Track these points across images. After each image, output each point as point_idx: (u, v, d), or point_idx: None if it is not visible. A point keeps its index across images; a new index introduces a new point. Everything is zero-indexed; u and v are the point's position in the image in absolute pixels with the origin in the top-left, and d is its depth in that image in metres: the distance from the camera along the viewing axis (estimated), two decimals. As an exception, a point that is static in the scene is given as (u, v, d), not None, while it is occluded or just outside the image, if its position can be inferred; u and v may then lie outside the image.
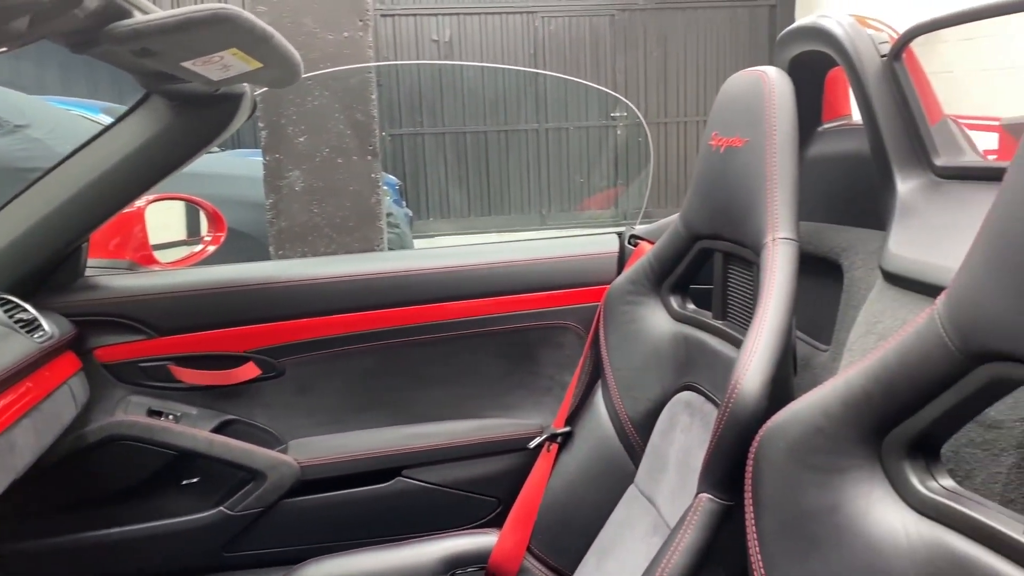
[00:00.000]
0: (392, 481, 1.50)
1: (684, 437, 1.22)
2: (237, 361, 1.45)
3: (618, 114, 8.88)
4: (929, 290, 0.90)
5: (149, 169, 1.29)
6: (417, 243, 7.72)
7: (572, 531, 1.35)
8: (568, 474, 1.39)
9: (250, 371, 1.45)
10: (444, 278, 1.50)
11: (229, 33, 0.90)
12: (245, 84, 1.28)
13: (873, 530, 0.67)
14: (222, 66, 1.01)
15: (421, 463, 1.50)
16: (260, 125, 2.91)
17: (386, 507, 1.50)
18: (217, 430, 1.46)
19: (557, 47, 8.84)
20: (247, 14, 0.90)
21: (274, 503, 1.45)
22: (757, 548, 0.74)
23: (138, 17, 0.88)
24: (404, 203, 6.59)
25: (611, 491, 1.32)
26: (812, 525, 0.70)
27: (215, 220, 1.68)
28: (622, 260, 1.54)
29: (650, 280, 1.36)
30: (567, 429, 1.41)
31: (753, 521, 0.74)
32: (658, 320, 1.34)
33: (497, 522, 1.49)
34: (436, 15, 8.59)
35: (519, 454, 1.51)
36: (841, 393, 0.70)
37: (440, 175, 8.74)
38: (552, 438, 1.42)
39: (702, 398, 1.19)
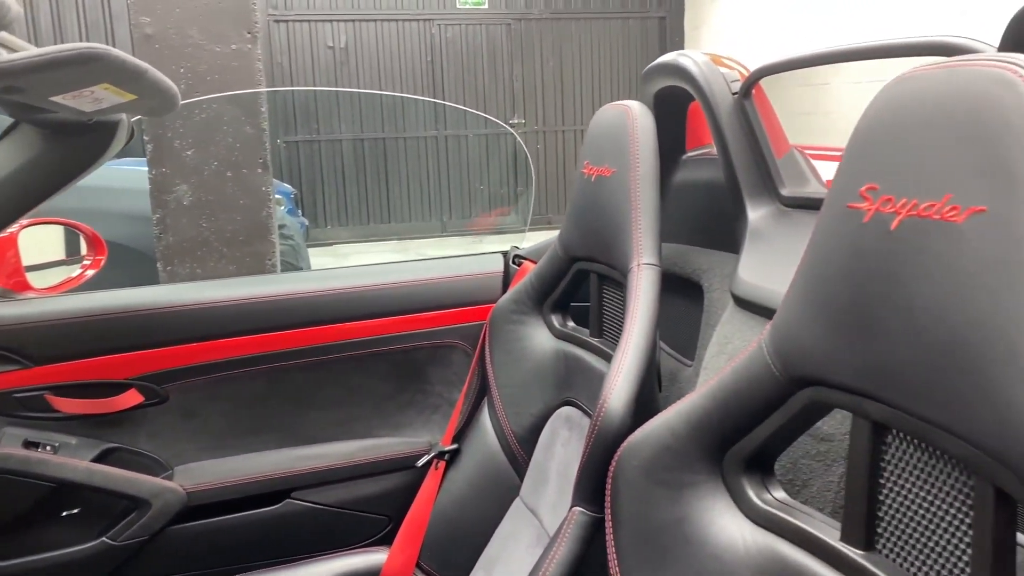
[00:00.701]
0: (281, 504, 1.50)
1: (564, 451, 1.28)
2: (118, 388, 1.43)
3: (516, 121, 8.99)
4: (770, 314, 0.98)
5: (21, 197, 1.26)
6: (314, 252, 7.62)
7: (460, 545, 1.39)
8: (456, 490, 1.42)
9: (132, 398, 1.43)
10: (330, 300, 1.51)
11: (99, 70, 0.90)
12: (122, 114, 1.27)
13: (716, 540, 0.73)
14: (94, 99, 1.01)
15: (310, 484, 1.51)
16: (145, 139, 2.85)
17: (276, 530, 1.50)
18: (99, 459, 1.43)
19: (454, 54, 8.88)
20: (117, 52, 0.90)
21: (159, 531, 1.43)
22: (616, 561, 0.79)
23: (2, 56, 0.87)
24: (300, 212, 6.50)
25: (497, 505, 1.37)
26: (663, 538, 0.76)
27: (94, 243, 1.64)
28: (507, 279, 1.59)
29: (532, 299, 1.41)
30: (454, 446, 1.45)
31: (612, 535, 0.80)
32: (540, 338, 1.39)
33: (388, 540, 1.51)
34: (331, 21, 8.50)
35: (409, 472, 1.54)
36: (686, 413, 0.76)
37: (338, 183, 8.64)
38: (440, 455, 1.46)
39: (580, 412, 1.25)
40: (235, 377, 1.48)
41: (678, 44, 9.16)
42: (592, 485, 1.00)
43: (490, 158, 9.05)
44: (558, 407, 1.32)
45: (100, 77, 0.92)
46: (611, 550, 0.80)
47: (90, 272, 1.63)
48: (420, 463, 1.46)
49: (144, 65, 0.99)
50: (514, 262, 1.57)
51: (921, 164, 0.53)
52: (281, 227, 3.72)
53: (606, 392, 1.00)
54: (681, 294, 1.30)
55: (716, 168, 1.23)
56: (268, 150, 2.92)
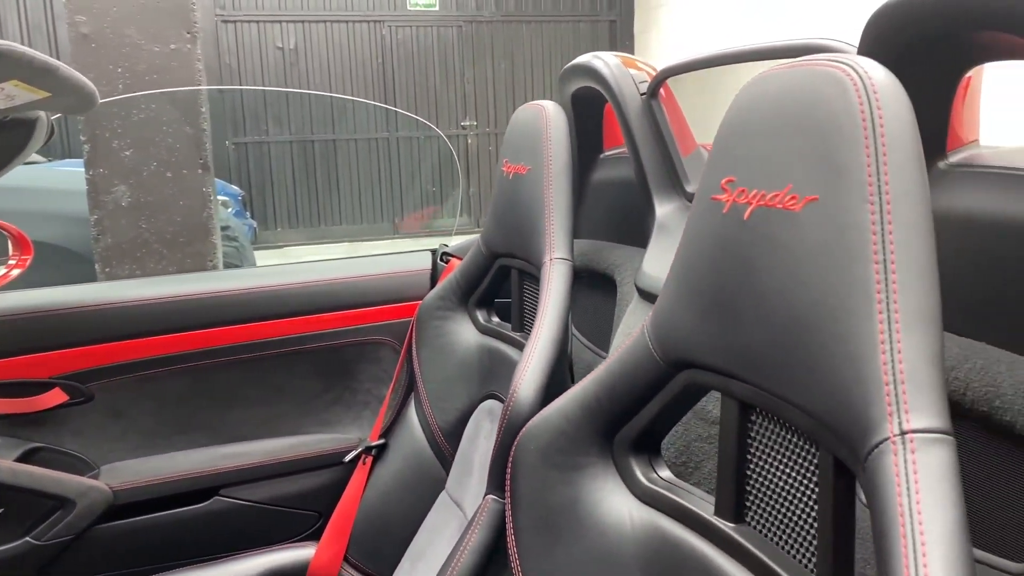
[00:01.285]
0: (209, 501, 1.51)
1: (487, 443, 1.30)
2: (42, 388, 1.42)
3: (468, 123, 9.02)
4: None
5: None
6: (264, 254, 7.56)
7: (388, 538, 1.41)
8: (383, 484, 1.44)
9: (57, 397, 1.43)
10: (257, 298, 1.52)
11: (5, 67, 0.90)
12: (40, 112, 1.27)
13: (605, 519, 0.77)
14: (5, 96, 1.01)
15: (238, 481, 1.52)
16: (82, 139, 2.82)
17: (204, 527, 1.50)
18: (23, 459, 1.42)
19: (405, 56, 8.87)
20: (23, 48, 0.91)
21: (85, 530, 1.43)
22: (514, 543, 0.82)
23: None
24: (248, 214, 6.45)
25: (424, 498, 1.39)
26: (557, 518, 0.79)
27: (20, 243, 1.62)
28: (435, 276, 1.62)
29: (457, 296, 1.44)
30: (382, 441, 1.47)
31: (511, 517, 0.83)
32: (465, 333, 1.42)
33: (317, 536, 1.52)
34: (280, 22, 8.44)
35: (338, 468, 1.56)
36: (579, 398, 0.79)
37: (288, 185, 8.58)
38: (367, 451, 1.47)
39: (502, 405, 1.28)
40: (161, 376, 1.49)
41: (628, 47, 9.26)
42: (503, 472, 1.03)
43: (442, 161, 9.05)
44: (481, 400, 1.35)
45: (8, 74, 0.92)
46: (510, 531, 0.83)
47: (15, 272, 1.61)
48: (347, 459, 1.47)
49: (54, 62, 0.99)
50: (442, 259, 1.59)
51: (768, 157, 0.57)
52: (225, 228, 3.70)
53: (516, 381, 1.03)
54: (598, 288, 1.34)
55: (630, 166, 1.27)
56: (209, 151, 2.91)
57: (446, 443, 1.39)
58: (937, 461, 0.44)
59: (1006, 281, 0.68)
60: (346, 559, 1.43)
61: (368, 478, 1.46)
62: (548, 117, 1.16)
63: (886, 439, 0.46)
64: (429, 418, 1.41)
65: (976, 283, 0.71)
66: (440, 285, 1.46)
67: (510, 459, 0.84)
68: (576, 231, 1.19)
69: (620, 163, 1.38)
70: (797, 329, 0.54)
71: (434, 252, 1.65)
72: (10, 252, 1.64)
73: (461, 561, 1.07)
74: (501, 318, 1.42)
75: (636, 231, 1.23)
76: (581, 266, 1.42)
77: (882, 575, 0.44)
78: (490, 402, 1.33)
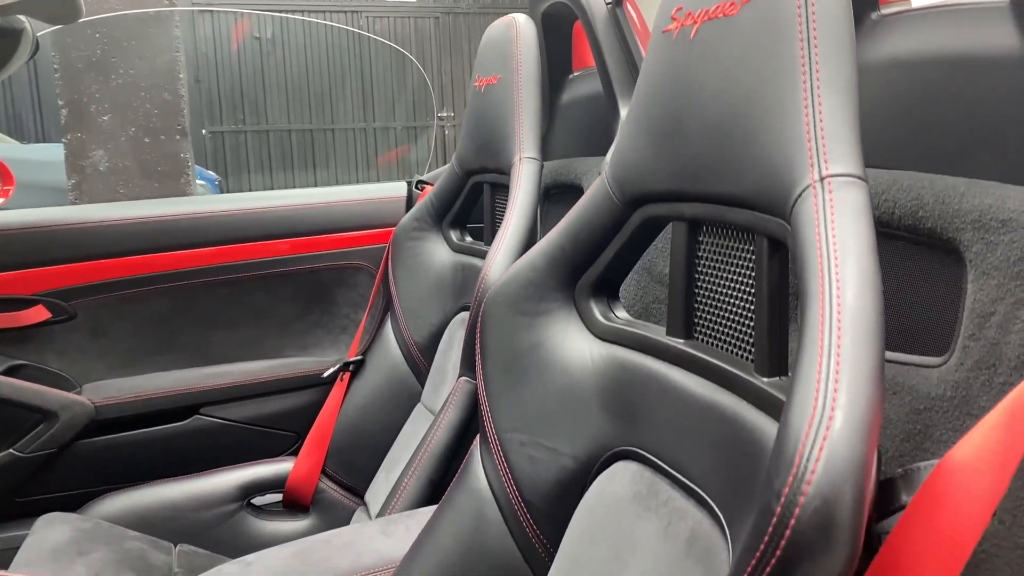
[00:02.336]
0: (190, 419, 1.55)
1: (459, 351, 1.36)
2: (25, 304, 1.45)
3: (445, 115, 9.06)
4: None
5: None
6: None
7: (364, 451, 1.46)
8: (360, 399, 1.49)
9: (39, 314, 1.46)
10: (237, 221, 1.56)
11: None
12: (25, 22, 1.30)
13: (567, 357, 0.82)
14: None
15: (218, 400, 1.56)
16: (60, 103, 2.83)
17: (184, 444, 1.54)
18: (5, 375, 1.45)
19: (382, 46, 8.89)
20: None
21: (68, 443, 1.46)
22: (483, 388, 0.87)
23: None
24: (225, 198, 6.44)
25: (400, 411, 1.44)
26: (522, 360, 0.84)
27: (3, 173, 1.66)
28: (410, 204, 1.67)
29: (432, 217, 1.49)
30: (359, 358, 1.52)
31: (481, 367, 0.88)
32: (439, 253, 1.47)
33: (296, 454, 1.57)
34: (258, 11, 8.44)
35: (316, 389, 1.60)
36: (545, 249, 0.85)
37: (264, 174, 8.58)
38: (345, 367, 1.52)
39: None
40: (143, 296, 1.52)
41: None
42: (475, 353, 1.08)
43: (419, 150, 9.08)
44: (456, 313, 1.40)
45: None
46: (479, 380, 0.88)
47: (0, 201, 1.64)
48: (326, 375, 1.52)
49: None
50: (416, 187, 1.65)
51: None
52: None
53: (486, 266, 1.08)
54: (568, 200, 1.40)
55: (597, 81, 1.33)
56: (187, 118, 2.93)
57: (421, 357, 1.44)
58: (851, 198, 0.50)
59: (928, 112, 0.74)
60: (324, 471, 1.48)
61: (345, 394, 1.50)
62: (519, 27, 1.21)
63: (808, 186, 0.52)
64: (405, 334, 1.46)
65: (903, 119, 0.77)
66: (415, 208, 1.51)
67: (480, 315, 0.90)
68: (545, 153, 1.24)
69: (587, 80, 1.44)
70: (733, 123, 0.60)
71: (409, 183, 1.70)
72: (-8, 183, 1.67)
73: (435, 438, 1.13)
74: (474, 239, 1.47)
75: (603, 141, 1.29)
76: (550, 183, 1.48)
77: (802, 298, 0.49)
78: (464, 314, 1.38)
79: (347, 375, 1.52)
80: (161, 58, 2.90)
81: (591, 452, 0.79)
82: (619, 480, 0.75)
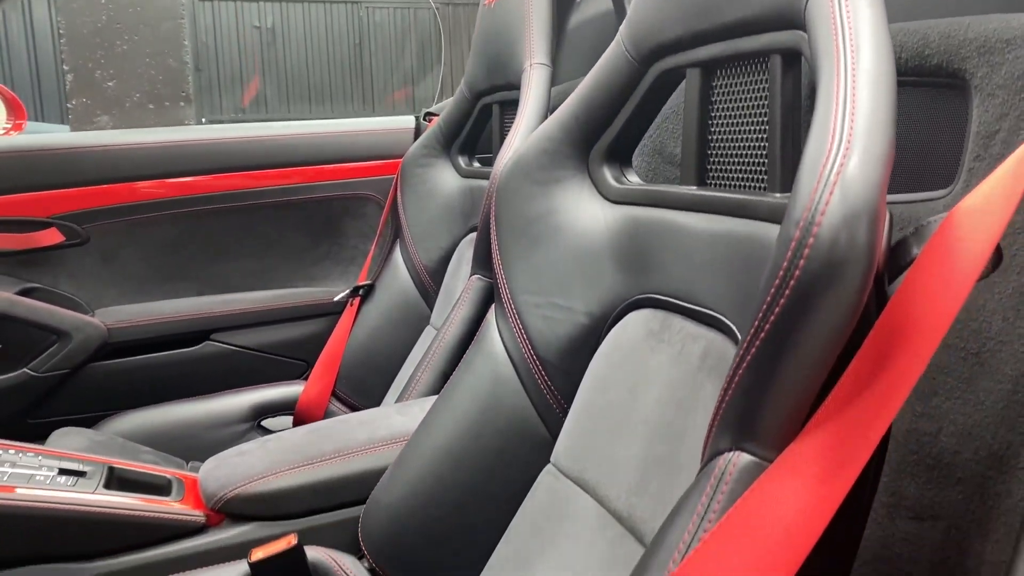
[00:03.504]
0: (201, 345, 1.56)
1: (468, 269, 1.37)
2: (39, 226, 1.47)
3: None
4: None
5: None
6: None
7: (374, 372, 1.47)
8: (370, 323, 1.51)
9: (53, 236, 1.48)
10: (249, 148, 1.58)
11: None
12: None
13: (580, 221, 0.84)
14: None
15: (230, 327, 1.58)
16: (65, 68, 2.85)
17: (195, 369, 1.56)
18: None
19: (383, 38, 8.92)
20: None
21: (81, 365, 1.48)
22: (498, 256, 0.89)
23: None
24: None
25: (409, 333, 1.46)
26: (536, 227, 0.87)
27: (14, 107, 1.68)
28: (418, 136, 1.69)
29: (440, 143, 1.51)
30: (369, 283, 1.54)
31: (496, 238, 0.90)
32: (448, 178, 1.49)
33: (305, 380, 1.59)
34: (258, 1, 8.46)
35: (326, 319, 1.62)
36: (559, 119, 0.87)
37: (265, 162, 8.58)
38: (355, 292, 1.54)
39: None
40: (155, 221, 1.54)
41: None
42: (486, 251, 1.10)
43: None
44: (464, 235, 1.42)
45: None
46: (495, 251, 0.90)
47: (13, 135, 1.66)
48: (336, 299, 1.54)
49: None
50: (424, 118, 1.67)
51: None
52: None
53: (497, 163, 1.10)
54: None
55: (604, 1, 1.35)
56: (191, 84, 2.95)
57: (431, 281, 1.46)
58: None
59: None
60: (334, 393, 1.49)
61: (355, 319, 1.52)
62: None
63: None
64: (414, 259, 1.48)
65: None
66: (423, 135, 1.53)
67: (494, 189, 0.91)
68: (553, 78, 1.26)
69: (594, 1, 1.46)
70: None
71: (418, 118, 1.72)
72: (3, 117, 1.69)
73: (448, 333, 1.15)
74: (482, 164, 1.49)
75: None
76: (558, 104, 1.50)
77: (818, 73, 0.51)
78: (472, 235, 1.40)
79: (357, 300, 1.54)
80: (165, 24, 2.92)
81: (604, 307, 0.81)
82: (632, 327, 0.78)
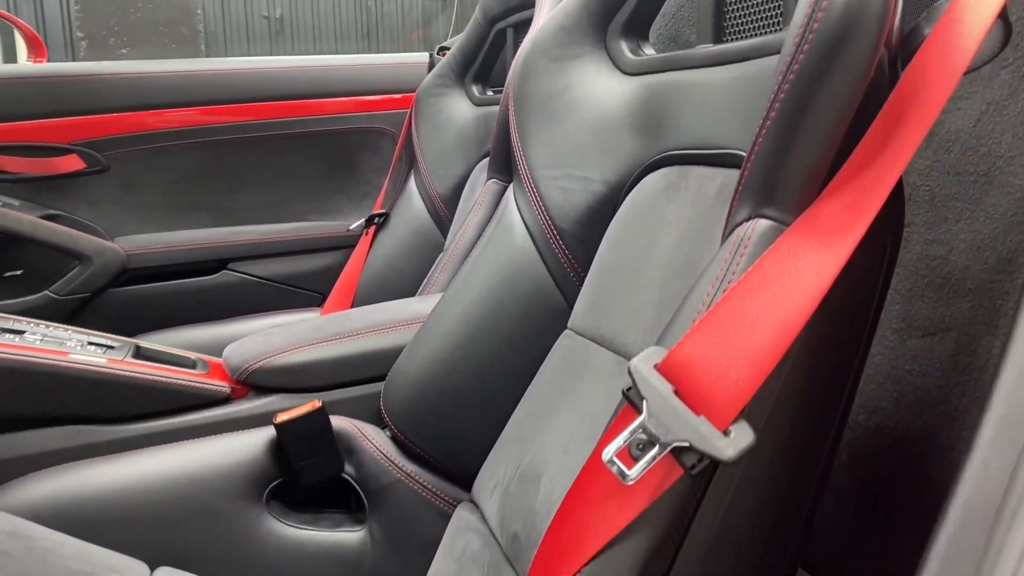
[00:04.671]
0: (218, 274, 1.59)
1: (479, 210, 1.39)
2: (60, 152, 1.50)
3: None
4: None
5: None
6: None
7: (389, 298, 1.49)
8: (385, 251, 1.53)
9: (73, 163, 1.50)
10: (266, 78, 1.61)
11: None
12: None
13: (598, 96, 0.86)
14: None
15: (247, 256, 1.60)
16: (79, 35, 2.89)
17: (213, 297, 1.58)
18: (41, 223, 1.50)
19: (390, 28, 8.95)
20: None
21: (100, 290, 1.50)
22: (516, 133, 0.91)
23: None
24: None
25: (424, 261, 1.48)
26: (554, 102, 0.88)
27: (34, 44, 1.70)
28: (432, 68, 1.71)
29: (455, 72, 1.53)
30: (383, 211, 1.56)
31: (514, 117, 0.92)
32: (462, 107, 1.51)
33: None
34: (266, -10, 8.49)
35: (341, 251, 1.64)
36: None
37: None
38: (370, 221, 1.56)
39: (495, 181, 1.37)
40: (174, 150, 1.56)
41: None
42: (501, 158, 1.12)
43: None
44: (478, 162, 1.44)
45: None
46: (513, 130, 0.92)
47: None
48: (352, 227, 1.56)
49: None
50: (438, 52, 1.69)
51: None
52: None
53: (514, 64, 1.12)
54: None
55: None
56: (204, 53, 2.98)
57: (445, 209, 1.48)
58: None
59: None
60: (349, 319, 1.51)
61: (370, 248, 1.54)
62: None
63: None
64: (428, 188, 1.50)
65: None
66: (438, 65, 1.55)
67: (517, 66, 0.93)
68: None
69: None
70: None
71: (432, 55, 1.74)
72: (24, 55, 1.72)
73: (465, 235, 1.17)
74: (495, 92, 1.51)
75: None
76: None
77: None
78: (486, 160, 1.41)
79: (372, 230, 1.56)
80: (178, -4, 2.96)
81: (621, 174, 0.83)
82: (649, 186, 0.79)
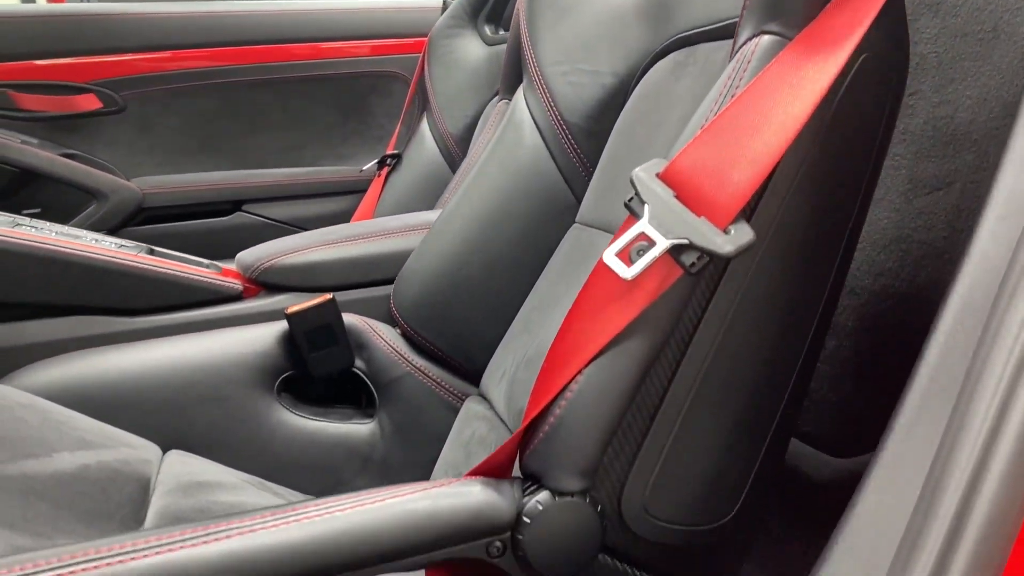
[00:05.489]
0: (233, 215, 1.60)
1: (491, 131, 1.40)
2: (78, 91, 1.52)
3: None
4: None
5: None
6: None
7: None
8: (397, 191, 1.54)
9: (91, 102, 1.52)
10: (279, 20, 1.62)
11: None
12: None
13: None
14: None
15: (261, 198, 1.61)
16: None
17: (227, 238, 1.59)
18: (58, 162, 1.52)
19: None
20: None
21: (116, 228, 1.52)
22: (526, 35, 0.92)
23: None
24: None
25: (436, 200, 1.49)
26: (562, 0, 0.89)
27: (54, -8, 1.73)
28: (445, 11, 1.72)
29: (467, 14, 1.54)
30: (396, 152, 1.57)
31: (524, 17, 0.93)
32: (474, 48, 1.52)
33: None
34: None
35: (354, 196, 1.65)
36: None
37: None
38: (382, 162, 1.57)
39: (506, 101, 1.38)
40: (190, 91, 1.58)
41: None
42: (514, 69, 1.13)
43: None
44: (489, 100, 1.45)
45: None
46: (523, 29, 0.93)
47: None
48: (364, 168, 1.57)
49: None
50: (451, -4, 1.70)
51: None
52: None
53: None
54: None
55: None
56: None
57: (457, 149, 1.48)
58: None
59: None
60: (362, 258, 1.52)
61: (383, 188, 1.55)
62: None
63: None
64: (441, 128, 1.50)
65: None
66: (450, 7, 1.56)
67: None
68: None
69: None
70: None
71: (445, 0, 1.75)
72: None
73: (476, 155, 1.17)
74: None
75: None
76: None
77: None
78: (497, 98, 1.42)
79: (384, 171, 1.57)
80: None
81: (631, 64, 0.84)
82: (659, 71, 0.80)
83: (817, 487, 0.73)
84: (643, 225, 0.47)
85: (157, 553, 0.41)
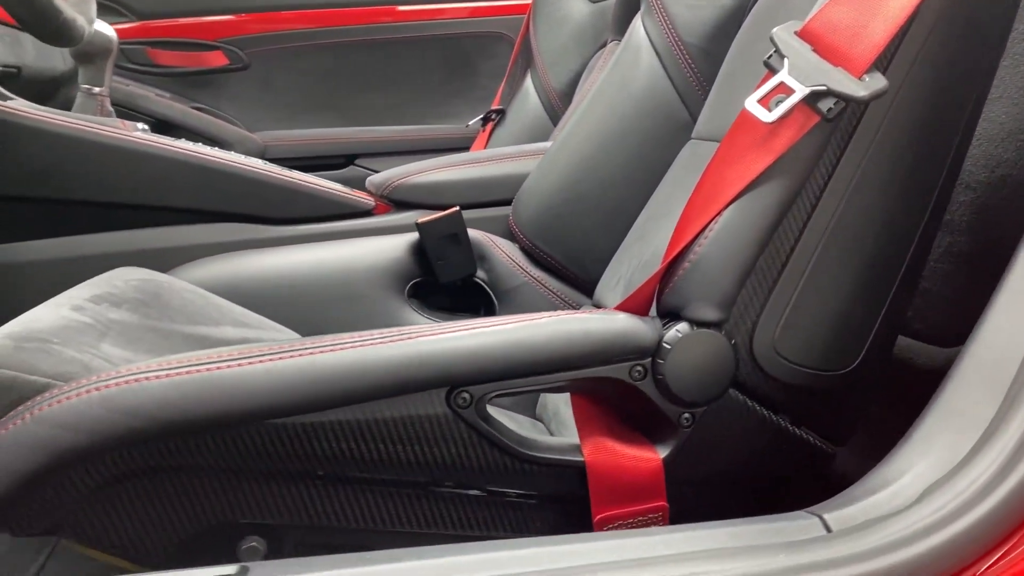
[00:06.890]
0: (347, 168, 1.69)
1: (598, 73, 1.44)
2: (208, 48, 1.62)
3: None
4: None
5: None
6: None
7: None
8: (502, 145, 1.60)
9: (218, 59, 1.63)
10: None
11: None
12: None
13: None
14: None
15: (373, 153, 1.70)
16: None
17: (342, 189, 1.68)
18: (187, 116, 1.63)
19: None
20: None
21: (240, 174, 1.62)
22: None
23: None
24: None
25: None
26: None
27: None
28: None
29: (573, -26, 1.59)
30: (500, 107, 1.63)
31: None
32: (578, 5, 1.57)
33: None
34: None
35: (461, 152, 1.72)
36: None
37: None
38: (487, 118, 1.63)
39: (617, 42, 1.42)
40: (307, 50, 1.67)
41: None
42: (627, 11, 1.17)
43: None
44: (594, 54, 1.49)
45: None
46: None
47: None
48: (470, 123, 1.63)
49: None
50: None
51: None
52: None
53: None
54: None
55: None
56: None
57: (560, 104, 1.53)
58: None
59: None
60: (466, 213, 1.59)
61: (487, 143, 1.62)
62: None
63: None
64: (545, 83, 1.55)
65: None
66: (557, -32, 1.61)
67: None
68: None
69: None
70: None
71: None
72: None
73: (584, 96, 1.22)
74: None
75: None
76: None
77: None
78: (602, 50, 1.46)
79: (489, 127, 1.63)
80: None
81: (749, -14, 0.87)
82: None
83: (928, 375, 0.75)
84: (783, 75, 0.51)
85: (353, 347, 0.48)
